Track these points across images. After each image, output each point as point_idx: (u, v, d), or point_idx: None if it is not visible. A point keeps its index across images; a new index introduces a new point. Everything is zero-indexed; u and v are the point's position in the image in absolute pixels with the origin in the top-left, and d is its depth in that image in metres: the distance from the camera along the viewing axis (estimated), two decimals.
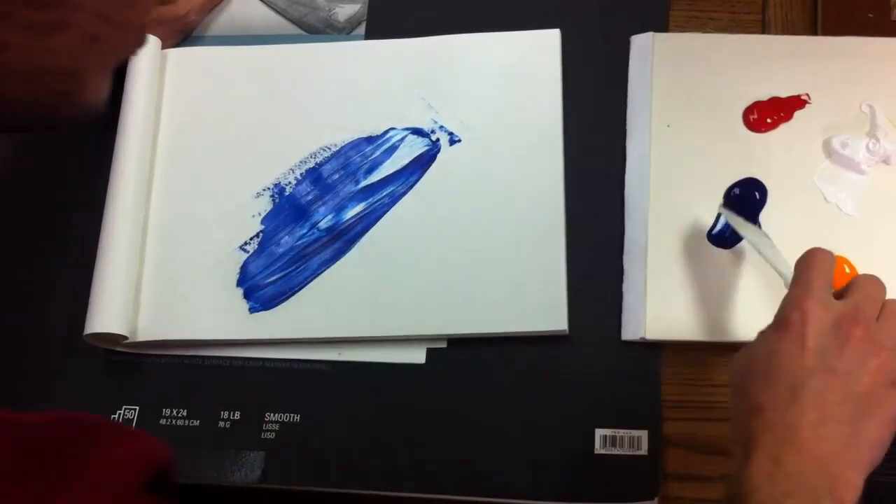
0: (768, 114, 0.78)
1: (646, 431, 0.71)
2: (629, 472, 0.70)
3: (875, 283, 0.60)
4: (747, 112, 0.79)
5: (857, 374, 0.56)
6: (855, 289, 0.60)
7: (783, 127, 0.78)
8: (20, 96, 0.46)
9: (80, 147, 0.85)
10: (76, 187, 0.83)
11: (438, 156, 0.80)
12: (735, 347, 0.72)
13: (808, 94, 0.79)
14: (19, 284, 0.81)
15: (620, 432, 0.71)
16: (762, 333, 0.59)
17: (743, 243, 0.74)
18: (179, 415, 0.75)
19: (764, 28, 0.83)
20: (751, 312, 0.72)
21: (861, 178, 0.76)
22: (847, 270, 0.72)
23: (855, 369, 0.56)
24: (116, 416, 0.75)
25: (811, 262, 0.61)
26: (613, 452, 0.71)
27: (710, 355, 0.74)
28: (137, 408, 0.76)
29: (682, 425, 0.72)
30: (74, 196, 0.83)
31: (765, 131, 0.78)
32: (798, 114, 0.78)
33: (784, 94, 0.79)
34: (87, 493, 0.39)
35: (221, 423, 0.75)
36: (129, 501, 0.41)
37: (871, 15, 0.82)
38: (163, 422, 0.75)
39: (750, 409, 0.56)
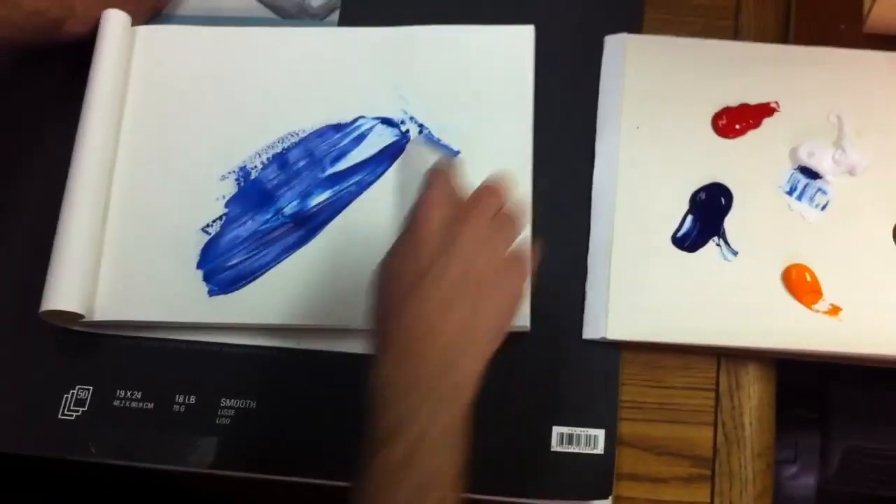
0: (737, 120, 0.78)
1: (602, 431, 0.71)
2: (584, 470, 0.70)
3: (494, 188, 0.65)
4: (716, 117, 0.79)
5: (472, 259, 0.60)
6: (475, 192, 0.64)
7: (751, 134, 0.78)
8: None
9: (43, 117, 0.84)
10: (35, 158, 0.82)
11: (407, 146, 0.80)
12: (695, 350, 0.73)
13: (777, 102, 0.79)
14: None
15: (577, 431, 0.71)
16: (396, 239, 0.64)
17: (709, 246, 0.74)
18: (134, 397, 0.74)
19: (736, 34, 0.84)
20: (714, 316, 0.73)
21: (825, 187, 0.76)
22: (808, 279, 0.73)
23: (471, 255, 0.60)
24: (69, 395, 0.74)
25: (433, 171, 0.65)
26: (570, 450, 0.71)
27: (669, 357, 0.74)
28: (91, 388, 0.75)
29: (638, 426, 0.72)
30: (32, 168, 0.82)
31: (733, 137, 0.78)
32: (766, 121, 0.78)
33: (753, 100, 0.79)
34: None
35: (176, 407, 0.74)
36: None
37: (843, 26, 0.82)
38: (116, 403, 0.74)
39: (381, 309, 0.60)
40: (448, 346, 0.58)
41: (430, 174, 0.65)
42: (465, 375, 0.58)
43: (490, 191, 0.64)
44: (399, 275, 0.60)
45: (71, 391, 0.74)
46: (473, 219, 0.61)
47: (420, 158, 0.78)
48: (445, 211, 0.62)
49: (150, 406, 0.74)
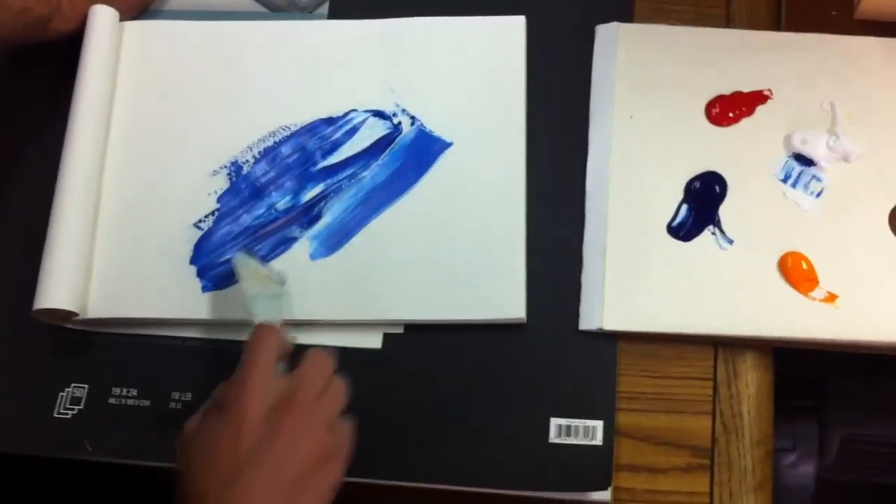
0: (730, 108, 0.78)
1: (601, 422, 0.71)
2: (583, 461, 0.70)
3: (319, 362, 0.64)
4: (710, 106, 0.79)
5: (288, 460, 0.59)
6: (300, 367, 0.63)
7: (745, 122, 0.78)
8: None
9: (35, 115, 0.83)
10: (27, 156, 0.82)
11: (399, 139, 0.79)
12: (692, 340, 0.73)
13: (770, 90, 0.79)
14: None
15: (575, 422, 0.71)
16: (208, 412, 0.61)
17: (704, 235, 0.74)
18: (130, 394, 0.74)
19: (728, 23, 0.84)
20: (710, 305, 0.73)
21: (820, 175, 0.76)
22: (804, 267, 0.73)
23: (287, 456, 0.59)
24: (65, 393, 0.74)
25: (256, 344, 0.63)
26: (568, 442, 0.71)
27: (666, 347, 0.74)
28: (87, 386, 0.74)
29: (636, 417, 0.72)
30: (24, 166, 0.81)
31: (726, 125, 0.78)
32: (760, 109, 0.78)
33: (746, 88, 0.79)
34: None
35: (172, 404, 0.73)
36: None
37: (834, 13, 0.82)
38: (112, 401, 0.74)
39: (193, 495, 0.58)
40: None
41: (254, 340, 0.64)
42: None
43: (316, 365, 0.63)
44: (216, 467, 0.58)
45: (66, 389, 0.74)
46: (296, 410, 0.60)
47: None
48: (269, 394, 0.60)
49: (147, 403, 0.74)
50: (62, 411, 0.73)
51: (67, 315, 0.73)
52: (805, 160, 0.77)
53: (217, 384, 0.73)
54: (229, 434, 0.59)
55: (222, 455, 0.58)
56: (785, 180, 0.76)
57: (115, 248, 0.77)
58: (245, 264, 0.73)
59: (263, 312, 0.69)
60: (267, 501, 0.57)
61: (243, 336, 0.74)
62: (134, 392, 0.74)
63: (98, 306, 0.75)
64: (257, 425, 0.59)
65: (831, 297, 0.72)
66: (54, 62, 0.83)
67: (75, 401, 0.74)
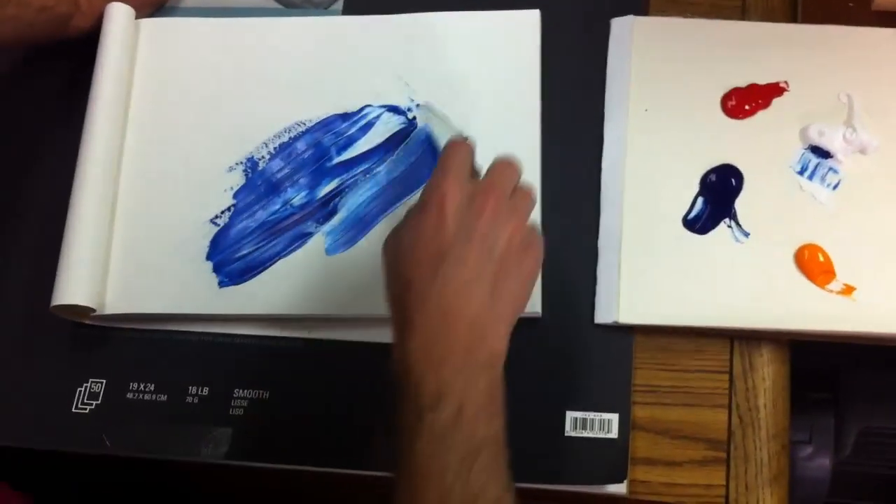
0: (746, 101, 0.78)
1: (616, 415, 0.71)
2: (599, 454, 0.70)
3: (508, 166, 0.65)
4: (725, 98, 0.78)
5: (493, 238, 0.60)
6: (490, 171, 0.64)
7: (761, 114, 0.78)
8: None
9: (50, 114, 0.84)
10: (43, 154, 0.82)
11: (414, 134, 0.79)
12: (708, 333, 0.73)
13: (786, 82, 0.78)
14: None
15: (591, 415, 0.71)
16: (408, 217, 0.63)
17: (720, 228, 0.74)
18: (147, 389, 0.74)
19: (744, 15, 0.83)
20: (726, 298, 0.72)
21: (837, 167, 0.76)
22: (821, 259, 0.72)
23: (491, 235, 0.60)
24: (83, 388, 0.74)
25: (449, 152, 0.64)
26: (584, 435, 0.71)
27: (682, 340, 0.74)
28: (104, 381, 0.75)
29: (652, 410, 0.72)
30: (40, 164, 0.82)
31: (742, 118, 0.78)
32: (776, 101, 0.78)
33: (762, 81, 0.78)
34: None
35: (189, 399, 0.74)
36: None
37: (851, 4, 0.82)
38: (130, 396, 0.74)
39: (402, 287, 0.60)
40: (474, 323, 0.58)
41: (447, 149, 0.64)
42: (493, 346, 0.60)
43: (506, 167, 0.64)
44: (421, 255, 0.59)
45: (84, 385, 0.75)
46: (493, 198, 0.61)
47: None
48: (465, 189, 0.61)
49: (164, 398, 0.74)
50: (80, 406, 0.74)
51: (85, 311, 0.74)
52: (822, 152, 0.76)
53: (234, 379, 0.74)
54: (431, 224, 0.60)
55: (426, 243, 0.60)
56: (801, 173, 0.76)
57: (132, 245, 0.77)
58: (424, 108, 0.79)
59: (444, 134, 0.75)
60: (476, 271, 0.59)
61: (259, 331, 0.75)
62: (151, 387, 0.74)
63: (115, 302, 0.75)
64: (457, 213, 0.60)
65: (848, 290, 0.72)
66: (71, 59, 0.84)
67: (93, 396, 0.74)
